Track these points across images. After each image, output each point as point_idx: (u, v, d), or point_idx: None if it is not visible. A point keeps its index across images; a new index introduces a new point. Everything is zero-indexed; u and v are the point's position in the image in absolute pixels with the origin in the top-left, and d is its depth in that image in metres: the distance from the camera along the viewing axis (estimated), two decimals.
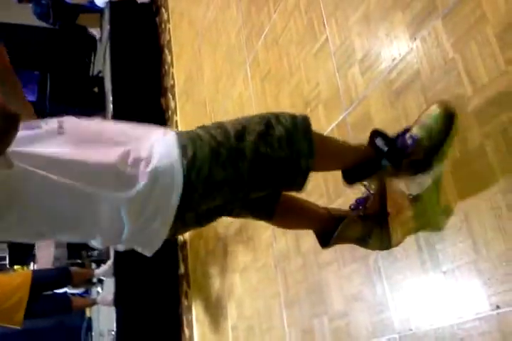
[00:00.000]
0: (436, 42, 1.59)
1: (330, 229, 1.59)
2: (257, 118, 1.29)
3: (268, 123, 1.27)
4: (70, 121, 1.25)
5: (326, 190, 2.11)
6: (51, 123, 1.22)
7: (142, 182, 1.16)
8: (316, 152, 1.29)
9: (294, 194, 1.55)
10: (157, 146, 1.22)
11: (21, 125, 1.03)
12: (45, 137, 1.17)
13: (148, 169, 1.17)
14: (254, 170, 1.25)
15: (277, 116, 1.30)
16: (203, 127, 1.29)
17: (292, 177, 1.32)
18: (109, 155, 1.17)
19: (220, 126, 1.27)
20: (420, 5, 1.66)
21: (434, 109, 1.50)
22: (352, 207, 1.66)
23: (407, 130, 1.53)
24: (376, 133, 1.51)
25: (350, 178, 1.55)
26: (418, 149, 1.51)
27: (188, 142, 1.21)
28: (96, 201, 1.15)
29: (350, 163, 1.51)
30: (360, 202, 1.64)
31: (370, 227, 1.62)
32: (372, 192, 1.62)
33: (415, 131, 1.52)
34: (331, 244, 1.62)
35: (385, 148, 1.48)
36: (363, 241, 1.65)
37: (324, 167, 1.57)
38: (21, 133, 1.05)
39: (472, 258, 1.41)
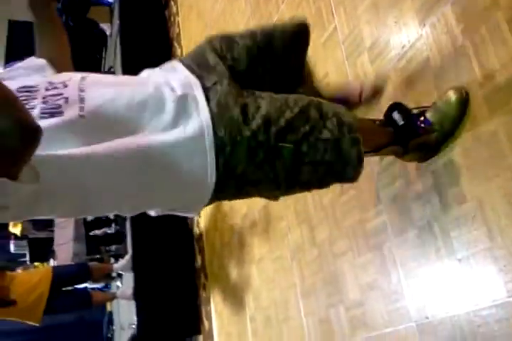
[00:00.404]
0: (446, 28, 1.57)
1: None
2: (302, 114, 1.19)
3: (314, 124, 1.18)
4: (90, 93, 1.11)
5: None
6: (72, 102, 1.07)
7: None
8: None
9: None
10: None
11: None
12: (68, 130, 1.04)
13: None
14: (292, 171, 1.20)
15: (323, 116, 1.20)
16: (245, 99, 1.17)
17: (335, 182, 1.31)
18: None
19: (264, 115, 1.14)
20: None
21: (451, 96, 1.49)
22: None
23: (423, 112, 1.53)
24: (395, 106, 1.51)
25: None
26: (429, 133, 1.50)
27: (226, 139, 1.11)
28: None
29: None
30: None
31: None
32: None
33: (429, 115, 1.51)
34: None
35: (401, 122, 1.48)
36: None
37: None
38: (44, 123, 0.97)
39: (487, 246, 1.40)
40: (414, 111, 1.54)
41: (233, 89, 1.17)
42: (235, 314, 3.37)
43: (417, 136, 1.50)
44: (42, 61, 1.31)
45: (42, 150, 0.94)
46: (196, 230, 4.28)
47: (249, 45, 1.30)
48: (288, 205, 2.55)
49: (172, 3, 5.45)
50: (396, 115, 1.48)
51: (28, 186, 0.93)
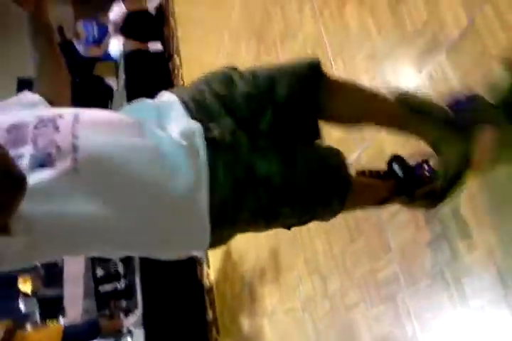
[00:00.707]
0: (443, 76, 1.59)
1: None
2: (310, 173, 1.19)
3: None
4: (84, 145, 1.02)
5: (348, 227, 2.09)
6: (64, 151, 0.99)
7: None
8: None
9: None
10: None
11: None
12: (60, 185, 0.97)
13: None
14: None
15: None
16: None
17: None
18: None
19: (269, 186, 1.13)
20: (423, 41, 1.67)
21: None
22: None
23: (425, 161, 1.51)
24: (395, 159, 1.50)
25: None
26: (434, 180, 1.49)
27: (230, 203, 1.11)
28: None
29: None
30: None
31: None
32: None
33: (433, 162, 1.49)
34: None
35: (401, 175, 1.47)
36: None
37: None
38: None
39: (501, 293, 1.37)
40: (419, 160, 1.53)
41: (238, 146, 1.13)
42: None
43: (423, 184, 1.49)
44: (36, 97, 1.24)
45: (41, 204, 0.93)
46: (206, 282, 4.23)
47: (250, 91, 1.18)
48: (298, 254, 2.52)
49: (175, 55, 5.58)
50: (396, 167, 1.47)
51: (19, 238, 0.91)
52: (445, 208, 1.56)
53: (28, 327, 5.47)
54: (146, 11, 6.41)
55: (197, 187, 1.06)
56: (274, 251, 2.83)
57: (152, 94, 1.32)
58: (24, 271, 6.26)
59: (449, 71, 1.57)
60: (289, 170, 1.15)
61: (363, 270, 1.98)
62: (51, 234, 0.96)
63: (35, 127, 1.03)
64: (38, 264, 5.52)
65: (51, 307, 4.95)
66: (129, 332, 4.61)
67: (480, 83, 1.43)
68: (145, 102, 1.24)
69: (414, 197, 1.50)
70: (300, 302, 2.50)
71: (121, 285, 5.39)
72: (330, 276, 2.23)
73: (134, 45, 6.11)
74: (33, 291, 5.76)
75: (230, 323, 3.64)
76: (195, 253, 1.24)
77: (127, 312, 4.79)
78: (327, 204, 1.26)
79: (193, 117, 1.14)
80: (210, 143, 1.10)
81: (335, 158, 1.25)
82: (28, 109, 1.18)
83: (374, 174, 1.53)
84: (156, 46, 6.10)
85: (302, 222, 1.29)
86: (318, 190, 1.21)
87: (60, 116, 1.07)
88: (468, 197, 1.48)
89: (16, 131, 1.02)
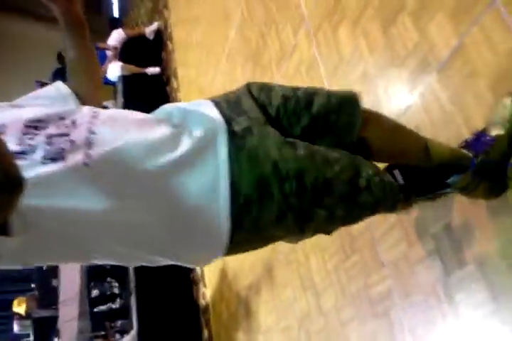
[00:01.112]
0: (434, 96, 1.64)
1: None
2: (343, 170, 1.09)
3: (355, 183, 1.09)
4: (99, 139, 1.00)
5: (342, 245, 2.12)
6: (77, 146, 0.97)
7: None
8: None
9: None
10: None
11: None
12: (67, 179, 0.94)
13: None
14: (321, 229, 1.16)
15: (363, 174, 1.10)
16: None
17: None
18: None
19: (299, 173, 1.04)
20: (414, 62, 1.73)
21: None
22: None
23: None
24: (393, 167, 1.39)
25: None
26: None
27: (254, 198, 1.01)
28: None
29: None
30: None
31: None
32: None
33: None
34: None
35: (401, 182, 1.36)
36: None
37: None
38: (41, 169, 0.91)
39: (492, 308, 1.39)
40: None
41: (266, 140, 1.06)
42: None
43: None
44: (67, 91, 1.23)
45: (44, 199, 0.90)
46: (202, 302, 4.22)
47: (289, 95, 1.16)
48: (293, 270, 2.54)
49: (173, 78, 5.65)
50: (398, 174, 1.37)
51: (17, 234, 0.88)
52: (437, 224, 1.60)
53: None
54: (143, 36, 6.52)
55: (216, 184, 1.00)
56: (269, 269, 2.85)
57: None
58: (20, 293, 6.24)
59: (439, 91, 1.62)
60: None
61: (357, 286, 2.00)
62: (53, 229, 0.94)
63: (54, 121, 1.02)
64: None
65: (45, 328, 4.90)
66: None
67: (470, 104, 1.49)
68: (176, 104, 1.21)
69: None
70: (295, 319, 2.51)
71: (116, 305, 5.36)
72: (324, 293, 2.25)
73: (132, 69, 6.21)
74: (26, 312, 5.71)
75: None
76: (213, 257, 1.14)
77: (122, 333, 4.76)
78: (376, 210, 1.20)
79: (221, 112, 1.11)
80: (235, 136, 1.05)
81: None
82: (55, 102, 1.18)
83: None
84: (153, 70, 6.20)
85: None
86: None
87: (80, 111, 1.06)
88: (460, 212, 1.52)
89: (34, 124, 1.01)
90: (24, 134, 0.98)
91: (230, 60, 3.73)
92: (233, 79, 3.60)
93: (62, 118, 1.03)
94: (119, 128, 1.03)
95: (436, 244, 1.61)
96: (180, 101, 5.17)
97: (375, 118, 1.27)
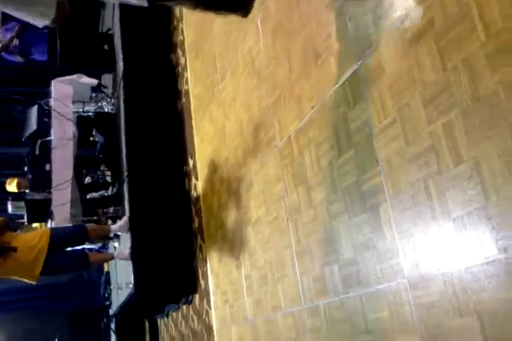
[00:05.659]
0: None
1: None
2: None
3: None
4: None
5: (338, 141, 2.12)
6: None
7: None
8: None
9: None
10: None
11: None
12: None
13: None
14: None
15: None
16: None
17: None
18: None
19: None
20: None
21: None
22: None
23: None
24: None
25: None
26: None
27: None
28: None
29: None
30: None
31: None
32: None
33: None
34: None
35: None
36: None
37: None
38: None
39: (482, 205, 1.43)
40: None
41: None
42: (230, 273, 3.43)
43: None
44: None
45: None
46: (194, 193, 4.32)
47: None
48: (285, 165, 2.57)
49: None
50: None
51: None
52: (436, 124, 1.59)
53: (18, 232, 5.59)
54: None
55: None
56: (262, 163, 2.89)
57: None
58: (11, 175, 6.34)
59: None
60: None
61: (350, 181, 2.04)
62: None
63: None
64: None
65: (39, 210, 5.02)
66: (116, 236, 4.75)
67: None
68: None
69: None
70: (285, 211, 2.59)
71: (108, 193, 5.49)
72: (316, 187, 2.30)
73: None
74: (19, 189, 5.81)
75: (215, 231, 3.76)
76: None
77: (114, 219, 4.91)
78: None
79: None
80: None
81: None
82: None
83: None
84: None
85: None
86: None
87: None
88: (460, 112, 1.51)
89: None
90: None
91: None
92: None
93: None
94: None
95: (433, 142, 1.61)
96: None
97: None
